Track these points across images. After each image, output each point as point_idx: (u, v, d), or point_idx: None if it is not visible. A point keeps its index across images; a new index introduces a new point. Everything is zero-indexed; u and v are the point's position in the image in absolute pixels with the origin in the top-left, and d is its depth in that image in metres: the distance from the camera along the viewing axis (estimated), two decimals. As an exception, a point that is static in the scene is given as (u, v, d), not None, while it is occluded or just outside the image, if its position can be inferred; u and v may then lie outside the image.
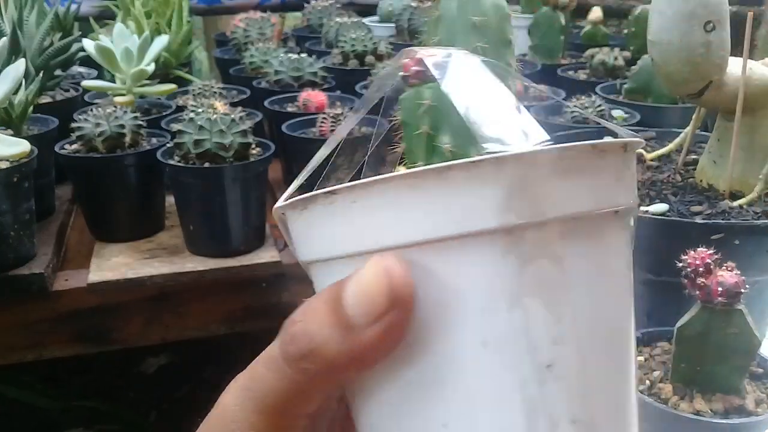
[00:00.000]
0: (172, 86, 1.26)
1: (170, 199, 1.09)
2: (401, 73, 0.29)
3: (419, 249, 0.23)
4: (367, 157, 0.30)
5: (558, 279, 0.24)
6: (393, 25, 1.79)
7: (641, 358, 0.62)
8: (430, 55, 0.28)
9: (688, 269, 0.54)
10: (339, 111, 1.08)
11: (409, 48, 0.29)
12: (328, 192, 0.24)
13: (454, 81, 0.28)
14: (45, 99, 1.23)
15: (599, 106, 1.04)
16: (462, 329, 0.23)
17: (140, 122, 1.05)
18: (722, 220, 0.63)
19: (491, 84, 0.28)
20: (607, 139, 0.82)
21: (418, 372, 0.24)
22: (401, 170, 0.28)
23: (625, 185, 0.27)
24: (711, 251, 0.54)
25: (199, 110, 0.98)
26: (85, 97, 1.28)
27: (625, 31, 1.57)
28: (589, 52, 1.36)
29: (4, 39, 1.02)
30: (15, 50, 1.10)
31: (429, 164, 0.28)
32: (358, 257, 0.24)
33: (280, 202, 0.27)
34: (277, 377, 0.25)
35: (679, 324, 0.56)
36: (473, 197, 0.23)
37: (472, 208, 0.23)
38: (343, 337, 0.23)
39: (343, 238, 0.25)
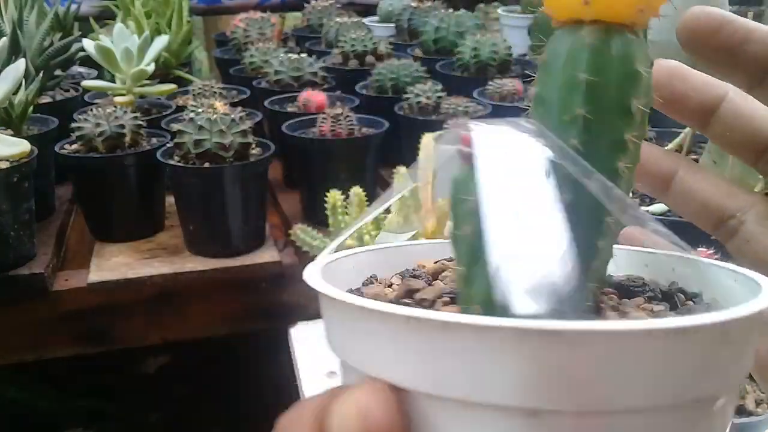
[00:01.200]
0: (172, 86, 1.26)
1: (170, 199, 1.09)
2: (459, 148, 0.22)
3: (425, 396, 0.20)
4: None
5: None
6: (393, 25, 1.80)
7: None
8: (480, 133, 0.22)
9: (689, 269, 0.53)
10: (339, 111, 1.07)
11: (462, 119, 0.24)
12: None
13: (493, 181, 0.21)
14: (45, 99, 1.23)
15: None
16: None
17: (140, 122, 1.05)
18: (723, 220, 0.63)
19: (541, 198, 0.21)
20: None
21: None
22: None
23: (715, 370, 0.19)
24: (711, 251, 0.53)
25: (199, 110, 0.98)
26: (85, 97, 1.28)
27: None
28: (589, 52, 1.36)
29: (4, 39, 1.02)
30: (15, 50, 1.10)
31: (470, 274, 0.23)
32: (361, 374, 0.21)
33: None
34: None
35: (680, 324, 0.56)
36: (487, 363, 0.18)
37: (483, 375, 0.19)
38: None
39: (354, 348, 0.22)
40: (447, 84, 1.26)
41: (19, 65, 0.94)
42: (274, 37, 1.56)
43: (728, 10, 0.64)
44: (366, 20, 1.81)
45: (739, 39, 0.29)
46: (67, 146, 1.05)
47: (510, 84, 1.23)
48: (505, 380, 0.18)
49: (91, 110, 1.03)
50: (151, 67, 1.19)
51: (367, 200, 0.78)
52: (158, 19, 1.49)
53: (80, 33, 1.38)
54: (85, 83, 1.24)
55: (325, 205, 0.78)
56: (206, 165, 0.95)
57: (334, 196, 0.78)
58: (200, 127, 0.94)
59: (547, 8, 0.22)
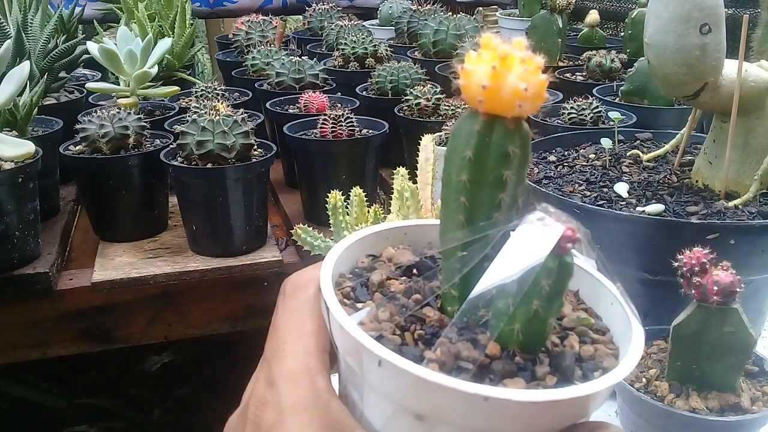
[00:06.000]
0: (175, 88, 1.27)
1: (173, 200, 1.10)
2: (558, 243, 0.28)
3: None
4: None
5: None
6: (393, 28, 1.81)
7: (638, 356, 0.63)
8: (574, 228, 0.28)
9: (684, 268, 0.54)
10: (340, 113, 1.09)
11: (543, 208, 0.29)
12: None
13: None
14: (49, 100, 1.24)
15: (596, 108, 1.05)
16: None
17: (144, 123, 1.06)
18: (718, 220, 0.64)
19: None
20: (604, 141, 0.82)
21: None
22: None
23: None
24: (707, 251, 0.54)
25: (202, 112, 0.99)
26: (90, 99, 1.29)
27: (622, 33, 1.59)
28: (586, 54, 1.37)
29: (9, 41, 1.03)
30: (20, 52, 1.11)
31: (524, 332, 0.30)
32: None
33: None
34: None
35: (675, 323, 0.56)
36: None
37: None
38: None
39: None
40: (446, 86, 1.27)
41: (24, 67, 0.95)
42: (275, 39, 1.57)
43: (723, 13, 0.65)
44: (366, 23, 1.82)
45: None
46: (71, 147, 1.06)
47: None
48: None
49: (96, 112, 1.04)
50: (155, 70, 1.21)
51: (367, 201, 0.79)
52: (161, 21, 1.50)
53: (84, 36, 1.39)
54: (89, 85, 1.26)
55: (326, 205, 0.79)
56: (209, 166, 0.96)
57: (335, 196, 0.78)
58: (203, 129, 0.95)
59: (462, 97, 0.29)
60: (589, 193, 0.70)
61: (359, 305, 0.32)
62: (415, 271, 0.35)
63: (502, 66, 0.28)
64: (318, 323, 0.32)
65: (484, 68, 0.28)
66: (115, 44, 1.19)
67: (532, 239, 0.28)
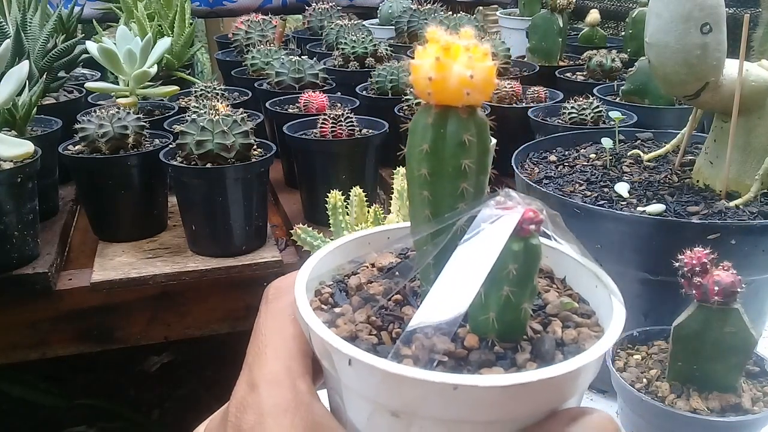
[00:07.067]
0: (174, 88, 1.27)
1: (173, 200, 1.10)
2: (519, 223, 0.28)
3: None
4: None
5: None
6: (393, 27, 1.81)
7: (638, 357, 0.63)
8: (536, 210, 0.28)
9: (685, 269, 0.54)
10: (339, 112, 1.08)
11: (506, 191, 0.29)
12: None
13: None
14: (49, 100, 1.24)
15: (597, 107, 1.05)
16: None
17: (143, 123, 1.06)
18: (718, 220, 0.64)
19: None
20: (605, 140, 0.81)
21: None
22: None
23: None
24: (707, 251, 0.54)
25: (202, 111, 0.99)
26: (89, 99, 1.29)
27: (623, 33, 1.58)
28: (586, 54, 1.37)
29: (8, 41, 1.03)
30: (19, 52, 1.11)
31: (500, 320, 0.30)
32: None
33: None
34: None
35: (675, 323, 0.56)
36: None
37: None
38: None
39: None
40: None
41: (23, 67, 0.95)
42: (275, 39, 1.57)
43: (724, 13, 0.65)
44: (366, 23, 1.82)
45: None
46: (70, 147, 1.06)
47: (509, 85, 1.23)
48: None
49: (95, 111, 1.04)
50: (154, 69, 1.21)
51: (367, 200, 0.79)
52: (161, 21, 1.50)
53: (83, 35, 1.39)
54: (89, 85, 1.25)
55: (326, 205, 0.79)
56: (208, 165, 0.96)
57: (334, 196, 0.78)
58: (202, 128, 0.95)
59: (414, 92, 0.29)
60: (589, 193, 0.70)
61: (337, 309, 0.32)
62: (397, 273, 0.35)
63: (446, 56, 0.28)
64: (300, 327, 0.32)
65: (428, 60, 0.28)
66: (115, 44, 1.19)
67: (488, 234, 0.28)
